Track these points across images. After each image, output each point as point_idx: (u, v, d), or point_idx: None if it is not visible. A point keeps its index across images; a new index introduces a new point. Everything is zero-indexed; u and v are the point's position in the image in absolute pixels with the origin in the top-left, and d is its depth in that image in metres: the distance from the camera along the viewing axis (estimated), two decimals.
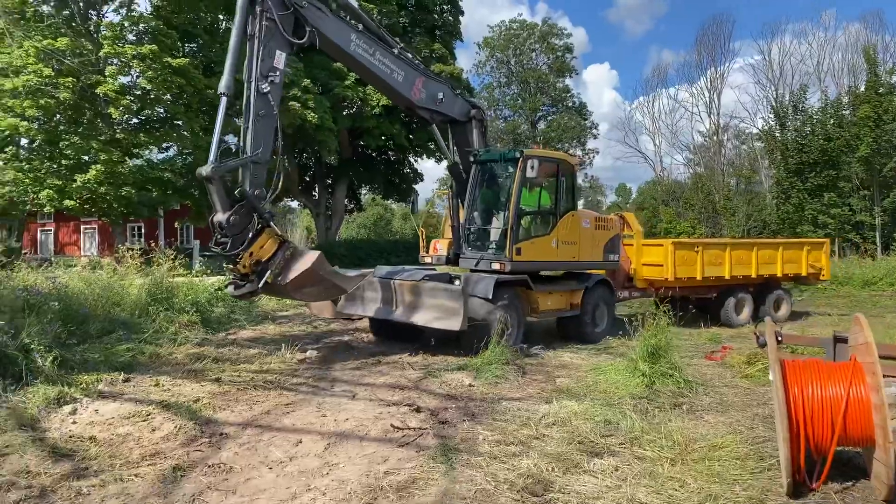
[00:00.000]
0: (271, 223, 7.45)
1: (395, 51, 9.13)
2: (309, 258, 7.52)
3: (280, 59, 7.60)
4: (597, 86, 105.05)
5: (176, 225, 35.67)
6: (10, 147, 21.04)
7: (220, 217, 7.08)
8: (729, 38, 55.97)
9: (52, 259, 22.79)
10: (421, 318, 8.67)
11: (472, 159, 10.26)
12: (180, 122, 22.90)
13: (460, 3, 31.39)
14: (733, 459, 4.96)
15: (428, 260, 10.61)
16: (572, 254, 10.19)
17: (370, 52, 8.66)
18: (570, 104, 58.11)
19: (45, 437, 5.15)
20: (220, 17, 25.31)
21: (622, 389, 6.93)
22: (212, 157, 7.01)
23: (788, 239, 20.28)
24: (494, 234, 9.81)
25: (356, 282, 8.79)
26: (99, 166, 19.71)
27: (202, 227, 27.13)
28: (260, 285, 7.32)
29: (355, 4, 8.86)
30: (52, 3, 20.93)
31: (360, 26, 8.78)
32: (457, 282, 8.88)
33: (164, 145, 24.20)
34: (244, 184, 7.31)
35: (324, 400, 6.63)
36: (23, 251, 25.20)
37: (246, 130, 7.36)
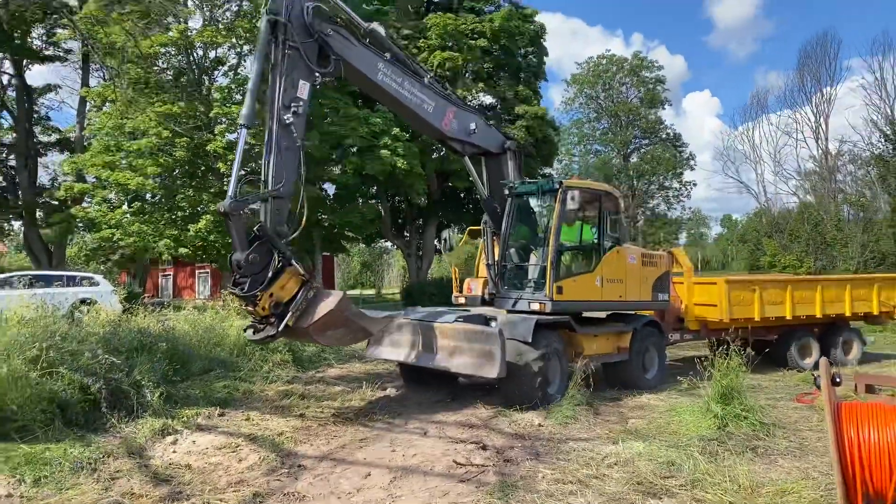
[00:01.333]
0: (293, 262, 6.98)
1: (426, 80, 8.77)
2: (333, 299, 7.02)
3: (304, 89, 7.23)
4: (697, 114, 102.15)
5: None
6: (136, 202, 23.45)
7: (238, 256, 6.67)
8: (836, 59, 52.89)
9: (169, 302, 24.96)
10: (455, 364, 8.12)
11: (507, 192, 9.66)
12: None
13: (544, 43, 32.01)
14: None
15: (462, 301, 9.90)
16: (618, 293, 9.48)
17: (398, 81, 8.32)
18: (663, 135, 57.01)
19: (150, 463, 5.83)
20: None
21: (693, 430, 6.82)
22: (231, 191, 6.62)
23: (856, 276, 18.83)
24: (532, 272, 9.19)
25: (382, 324, 8.40)
26: (209, 216, 21.56)
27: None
28: (280, 328, 6.82)
29: (383, 32, 8.51)
30: (170, 73, 23.43)
31: (388, 55, 8.36)
32: (493, 323, 8.19)
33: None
34: (265, 220, 6.90)
35: (396, 436, 6.99)
36: (145, 295, 27.76)
37: (267, 164, 6.99)
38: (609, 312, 10.03)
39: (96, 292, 16.83)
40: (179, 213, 22.70)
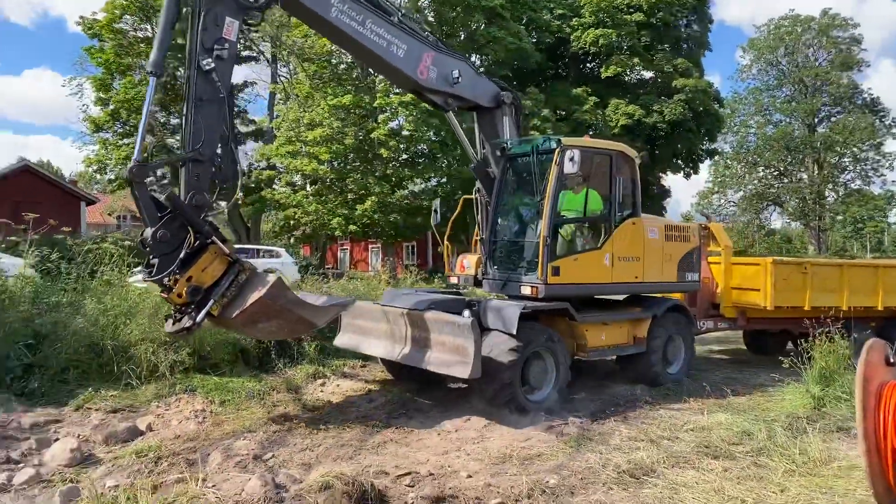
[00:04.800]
0: (214, 238, 5.84)
1: (395, 19, 7.28)
2: (263, 285, 5.85)
3: (231, 28, 6.02)
4: None
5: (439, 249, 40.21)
6: (313, 185, 26.60)
7: (147, 232, 5.62)
8: None
9: (343, 272, 28.10)
10: (425, 361, 6.90)
11: (499, 153, 8.23)
12: (439, 156, 26.34)
13: (708, 10, 30.42)
14: (862, 480, 5.07)
15: (454, 280, 8.55)
16: (634, 273, 8.01)
17: (359, 20, 6.84)
18: (858, 101, 50.78)
19: (302, 398, 7.43)
20: (472, 58, 28.49)
21: (787, 408, 7.02)
22: (136, 154, 5.62)
23: None
24: (528, 249, 7.63)
25: (332, 313, 6.95)
26: (374, 198, 23.90)
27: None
28: (198, 319, 5.72)
29: None
30: (342, 68, 26.05)
31: None
32: (466, 312, 6.86)
33: (427, 177, 28.01)
34: (182, 189, 5.83)
35: None
36: (326, 266, 31.40)
37: (186, 121, 5.89)
38: (624, 296, 8.68)
39: (278, 263, 19.69)
40: (349, 195, 25.34)
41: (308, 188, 26.77)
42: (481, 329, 6.69)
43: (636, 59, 27.83)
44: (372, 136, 24.05)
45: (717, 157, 44.67)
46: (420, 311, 7.13)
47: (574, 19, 28.08)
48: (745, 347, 12.05)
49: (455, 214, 8.76)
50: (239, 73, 34.75)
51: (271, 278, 5.93)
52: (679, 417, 6.89)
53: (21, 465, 5.01)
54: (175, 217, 5.67)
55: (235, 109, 33.77)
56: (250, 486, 4.41)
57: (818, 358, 7.15)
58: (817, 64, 50.88)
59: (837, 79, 49.50)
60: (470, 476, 5.04)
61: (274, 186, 29.07)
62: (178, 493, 4.44)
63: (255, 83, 36.60)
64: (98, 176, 34.34)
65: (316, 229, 27.22)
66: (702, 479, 5.01)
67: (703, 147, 32.32)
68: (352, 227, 25.54)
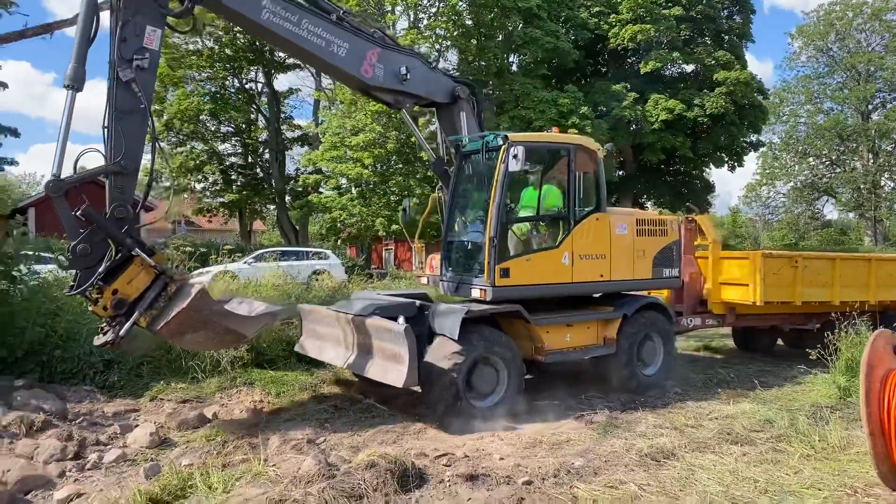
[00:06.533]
0: (137, 251, 5.74)
1: (334, 17, 7.00)
2: (187, 296, 5.79)
3: (152, 37, 5.91)
4: None
5: None
6: (357, 188, 27.44)
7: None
8: None
9: (390, 271, 28.93)
10: (366, 368, 6.79)
11: (454, 150, 8.02)
12: None
13: (749, 0, 29.92)
14: None
15: (424, 280, 8.37)
16: (599, 271, 7.64)
17: (293, 20, 6.61)
18: None
19: (350, 390, 8.02)
20: (510, 59, 28.83)
21: (812, 399, 7.25)
22: (53, 168, 5.53)
23: None
24: (479, 250, 7.31)
25: (260, 322, 6.75)
26: (415, 199, 24.56)
27: None
28: (121, 333, 5.69)
29: None
30: None
31: None
32: (401, 319, 6.56)
33: None
34: (107, 201, 5.78)
35: (539, 383, 8.42)
36: (371, 266, 32.35)
37: (108, 133, 5.78)
38: (596, 295, 8.23)
39: (326, 264, 20.54)
40: (392, 197, 26.06)
41: (353, 191, 27.61)
42: (430, 334, 6.78)
43: (676, 54, 27.66)
44: (412, 139, 24.68)
45: (764, 149, 43.77)
46: (363, 317, 6.93)
47: (612, 16, 28.10)
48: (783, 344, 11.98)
49: (426, 213, 8.59)
50: (284, 81, 35.88)
51: (195, 290, 5.84)
52: (705, 407, 7.22)
53: (108, 446, 5.73)
54: (96, 231, 5.65)
55: (282, 115, 35.14)
56: (306, 464, 4.99)
57: (844, 349, 7.35)
58: (870, 49, 49.18)
59: (893, 64, 47.77)
60: (502, 458, 5.52)
61: (320, 190, 30.10)
62: (244, 470, 5.08)
63: (300, 90, 37.91)
64: (154, 183, 36.17)
65: (361, 231, 28.06)
66: (719, 462, 5.36)
67: (747, 140, 31.82)
68: (395, 228, 26.26)
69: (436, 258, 8.17)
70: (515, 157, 6.62)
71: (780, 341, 11.43)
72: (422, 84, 7.70)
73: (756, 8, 30.62)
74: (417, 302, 7.36)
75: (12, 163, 19.64)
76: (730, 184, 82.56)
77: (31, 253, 8.04)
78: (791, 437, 5.96)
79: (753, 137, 32.42)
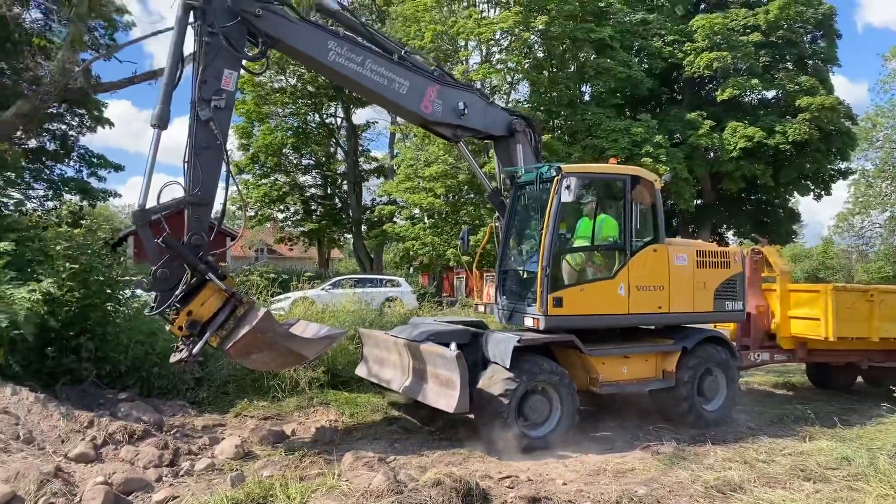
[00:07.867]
0: (210, 276, 6.20)
1: (395, 56, 7.43)
2: (254, 318, 6.19)
3: (229, 79, 6.41)
4: None
5: None
6: (430, 218, 28.09)
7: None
8: None
9: (460, 299, 29.27)
10: (422, 393, 6.98)
11: (510, 182, 8.25)
12: None
13: (834, 24, 28.86)
14: None
15: (481, 308, 8.64)
16: (657, 303, 7.55)
17: (358, 60, 7.05)
18: None
19: (420, 412, 8.30)
20: (582, 89, 28.96)
21: (893, 437, 6.94)
22: (140, 198, 6.10)
23: None
24: (532, 280, 7.31)
25: (322, 345, 7.13)
26: (484, 229, 24.88)
27: None
28: (194, 351, 6.15)
29: (334, 5, 7.39)
30: None
31: (342, 31, 7.28)
32: (453, 345, 6.73)
33: None
34: (186, 230, 6.24)
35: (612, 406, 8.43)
36: (442, 294, 32.80)
37: (186, 165, 6.29)
38: (656, 326, 8.14)
39: (399, 292, 21.08)
40: (463, 226, 26.53)
41: (425, 221, 28.28)
42: (485, 361, 6.98)
43: (755, 80, 26.95)
44: (484, 170, 25.14)
45: (855, 176, 41.54)
46: (417, 343, 7.14)
47: (687, 44, 27.80)
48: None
49: (483, 242, 8.80)
50: (362, 115, 37.25)
51: (261, 313, 6.23)
52: (779, 443, 7.05)
53: (199, 456, 6.23)
54: (174, 257, 6.12)
55: (360, 148, 36.47)
56: (376, 480, 5.29)
57: None
58: None
59: None
60: (565, 483, 5.64)
61: (395, 220, 30.96)
62: (319, 483, 5.42)
63: (377, 122, 39.26)
64: (238, 212, 38.21)
65: (433, 259, 28.61)
66: (789, 498, 5.27)
67: (835, 167, 30.44)
68: (465, 258, 26.64)
69: (492, 286, 8.31)
70: (568, 188, 6.83)
71: (860, 379, 10.87)
72: (479, 118, 7.98)
73: (847, 29, 29.56)
74: (471, 329, 7.54)
75: (115, 195, 21.43)
76: (820, 213, 78.85)
77: (132, 278, 8.83)
78: (869, 476, 5.75)
79: (842, 165, 30.97)
